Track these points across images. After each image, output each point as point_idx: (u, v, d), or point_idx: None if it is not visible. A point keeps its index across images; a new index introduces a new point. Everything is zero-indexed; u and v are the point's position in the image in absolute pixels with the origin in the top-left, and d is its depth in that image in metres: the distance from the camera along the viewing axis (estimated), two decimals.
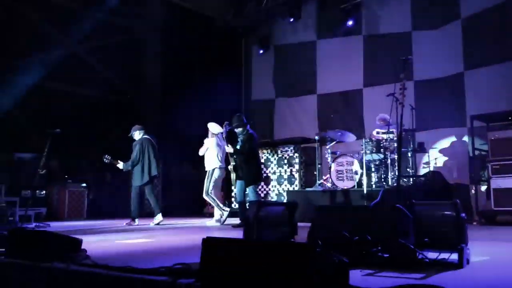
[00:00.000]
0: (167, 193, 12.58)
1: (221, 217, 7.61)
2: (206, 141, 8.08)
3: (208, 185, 7.77)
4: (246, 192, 7.19)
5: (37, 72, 11.44)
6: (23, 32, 11.67)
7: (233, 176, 7.40)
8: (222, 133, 7.76)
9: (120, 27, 13.18)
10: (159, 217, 7.80)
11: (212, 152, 7.92)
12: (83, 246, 2.78)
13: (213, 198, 7.73)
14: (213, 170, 7.84)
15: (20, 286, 2.61)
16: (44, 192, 9.46)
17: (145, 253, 3.67)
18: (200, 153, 8.08)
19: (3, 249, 2.88)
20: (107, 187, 12.28)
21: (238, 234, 4.63)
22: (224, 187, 10.47)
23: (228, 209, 7.78)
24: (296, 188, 9.13)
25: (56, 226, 7.10)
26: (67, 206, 10.11)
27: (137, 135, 8.21)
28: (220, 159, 7.92)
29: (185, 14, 12.54)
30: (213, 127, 8.00)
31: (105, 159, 8.13)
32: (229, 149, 7.13)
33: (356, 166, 7.81)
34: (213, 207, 8.10)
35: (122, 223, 7.83)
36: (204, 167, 8.14)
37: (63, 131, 7.25)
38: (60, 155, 10.30)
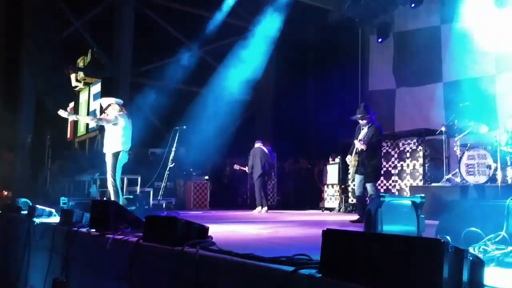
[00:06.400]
0: (282, 186, 12.81)
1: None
2: (119, 115, 6.38)
3: (115, 170, 6.27)
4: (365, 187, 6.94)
5: (169, 76, 12.51)
6: (155, 39, 12.81)
7: (351, 170, 7.11)
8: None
9: (236, 27, 13.71)
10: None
11: (125, 131, 6.40)
12: (208, 234, 2.95)
13: (118, 187, 6.34)
14: (119, 153, 6.31)
15: (155, 267, 2.86)
16: (173, 183, 10.32)
17: (264, 242, 3.77)
18: (110, 122, 6.31)
19: (141, 233, 3.19)
20: (226, 180, 12.94)
21: (356, 229, 4.52)
22: (341, 181, 10.34)
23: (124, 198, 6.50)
24: (420, 183, 8.61)
25: (183, 215, 7.66)
26: (192, 196, 10.93)
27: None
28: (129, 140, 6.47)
29: (300, 8, 12.57)
30: (112, 99, 6.53)
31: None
32: (360, 145, 6.53)
33: (489, 160, 7.10)
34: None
35: (240, 213, 8.24)
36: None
37: (188, 127, 7.81)
38: (186, 150, 11.13)
